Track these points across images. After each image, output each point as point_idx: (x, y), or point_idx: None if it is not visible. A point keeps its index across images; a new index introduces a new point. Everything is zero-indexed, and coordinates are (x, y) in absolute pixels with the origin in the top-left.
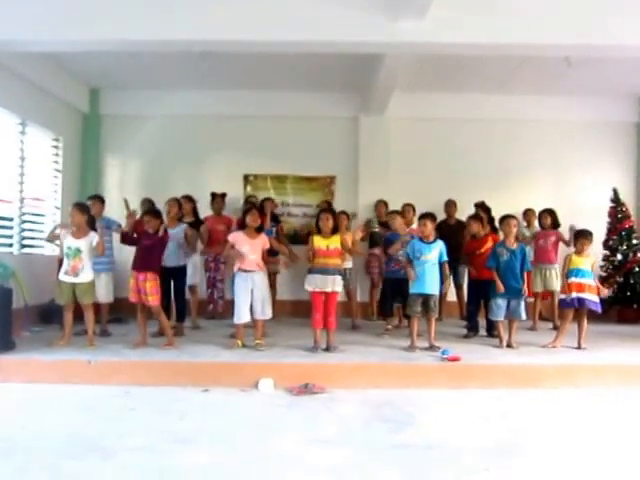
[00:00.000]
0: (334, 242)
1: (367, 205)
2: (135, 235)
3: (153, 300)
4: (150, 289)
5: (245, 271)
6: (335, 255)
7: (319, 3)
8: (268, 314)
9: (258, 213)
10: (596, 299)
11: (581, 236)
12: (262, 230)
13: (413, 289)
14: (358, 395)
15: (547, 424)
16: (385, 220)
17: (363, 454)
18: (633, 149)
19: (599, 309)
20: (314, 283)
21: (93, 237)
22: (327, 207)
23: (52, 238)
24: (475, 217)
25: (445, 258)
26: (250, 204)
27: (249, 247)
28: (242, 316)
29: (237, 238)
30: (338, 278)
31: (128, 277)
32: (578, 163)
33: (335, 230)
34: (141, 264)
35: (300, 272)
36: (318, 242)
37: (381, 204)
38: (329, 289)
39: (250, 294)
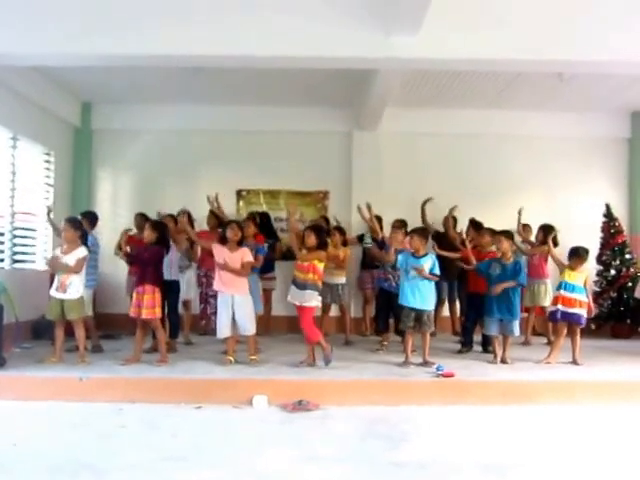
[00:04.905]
0: (311, 259)
1: (360, 220)
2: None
3: (147, 314)
4: (147, 302)
5: (223, 292)
6: (309, 270)
7: (312, 19)
8: (251, 330)
9: (238, 227)
10: (582, 313)
11: (575, 255)
12: (242, 244)
13: (403, 301)
14: (352, 412)
15: (542, 441)
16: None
17: (359, 472)
18: (625, 164)
19: (582, 322)
20: (290, 295)
21: (79, 252)
22: (315, 224)
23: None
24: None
25: (435, 271)
26: (231, 220)
27: (227, 261)
28: (222, 331)
29: (218, 251)
30: (309, 293)
31: (119, 293)
32: (571, 178)
33: (321, 246)
34: (140, 277)
35: None
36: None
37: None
38: (297, 302)
39: (231, 311)
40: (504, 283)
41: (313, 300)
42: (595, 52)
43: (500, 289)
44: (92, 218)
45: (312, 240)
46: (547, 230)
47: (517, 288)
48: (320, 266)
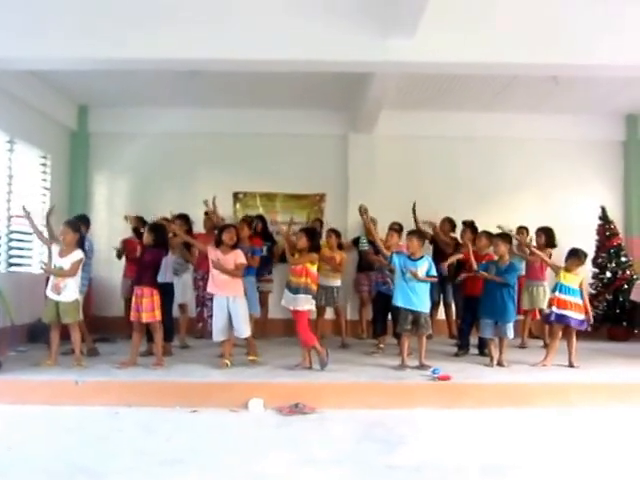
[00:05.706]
0: (303, 262)
1: (356, 222)
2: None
3: (147, 317)
4: (146, 305)
5: (217, 295)
6: (302, 274)
7: (308, 22)
8: (246, 331)
9: (235, 231)
10: (581, 317)
11: (573, 256)
12: (236, 247)
13: (399, 302)
14: (349, 415)
15: (539, 444)
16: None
17: (356, 474)
18: (620, 167)
19: (583, 327)
20: (283, 299)
21: (75, 255)
22: (307, 227)
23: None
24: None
25: (432, 272)
26: (228, 224)
27: (219, 258)
28: (218, 334)
29: (211, 253)
30: (302, 297)
31: (114, 296)
32: (566, 181)
33: (313, 249)
34: (137, 279)
35: None
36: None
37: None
38: (291, 307)
39: (227, 314)
40: (490, 275)
41: (306, 304)
42: (589, 56)
43: (483, 276)
44: (86, 222)
45: (303, 242)
46: (547, 233)
47: (510, 290)
48: (313, 269)
